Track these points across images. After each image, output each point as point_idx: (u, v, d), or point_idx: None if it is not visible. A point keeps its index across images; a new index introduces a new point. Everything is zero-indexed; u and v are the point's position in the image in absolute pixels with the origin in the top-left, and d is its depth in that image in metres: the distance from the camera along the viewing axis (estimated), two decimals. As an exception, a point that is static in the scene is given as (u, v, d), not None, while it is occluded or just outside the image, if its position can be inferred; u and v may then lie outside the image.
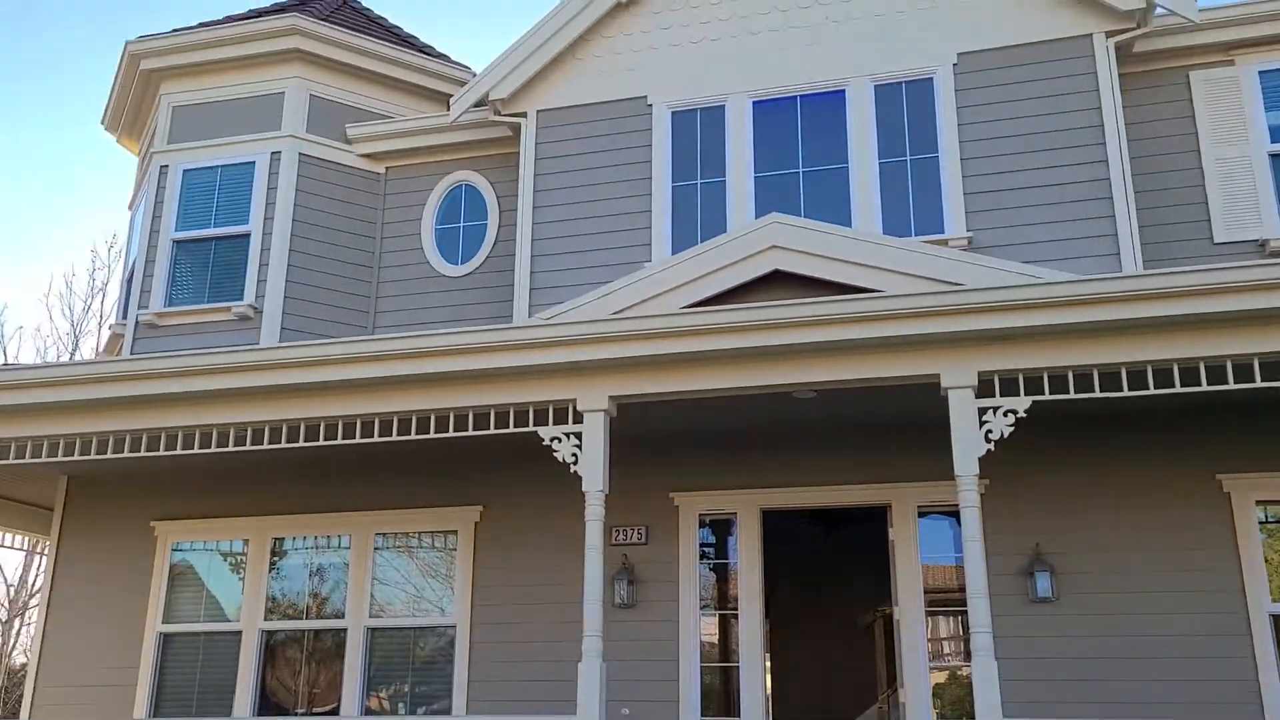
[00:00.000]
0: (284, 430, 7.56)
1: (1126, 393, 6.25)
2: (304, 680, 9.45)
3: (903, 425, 8.19)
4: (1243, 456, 7.87)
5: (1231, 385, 6.12)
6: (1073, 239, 8.88)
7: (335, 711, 9.11)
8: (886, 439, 8.45)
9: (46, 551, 10.38)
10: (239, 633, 9.55)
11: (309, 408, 7.47)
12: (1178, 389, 6.18)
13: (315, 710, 9.35)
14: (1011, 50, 9.51)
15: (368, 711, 9.01)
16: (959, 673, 8.19)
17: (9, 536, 11.12)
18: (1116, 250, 8.73)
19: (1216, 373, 6.15)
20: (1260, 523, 7.80)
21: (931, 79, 9.66)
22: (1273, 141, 9.33)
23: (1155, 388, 6.22)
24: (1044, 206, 9.05)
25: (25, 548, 12.40)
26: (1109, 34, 9.27)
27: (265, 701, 9.40)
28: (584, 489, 6.81)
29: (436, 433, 7.22)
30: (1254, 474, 7.84)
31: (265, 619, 9.54)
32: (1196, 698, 7.23)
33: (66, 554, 10.23)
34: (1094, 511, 8.01)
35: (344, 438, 7.43)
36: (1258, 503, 7.82)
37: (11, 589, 23.09)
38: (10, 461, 8.11)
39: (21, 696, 10.14)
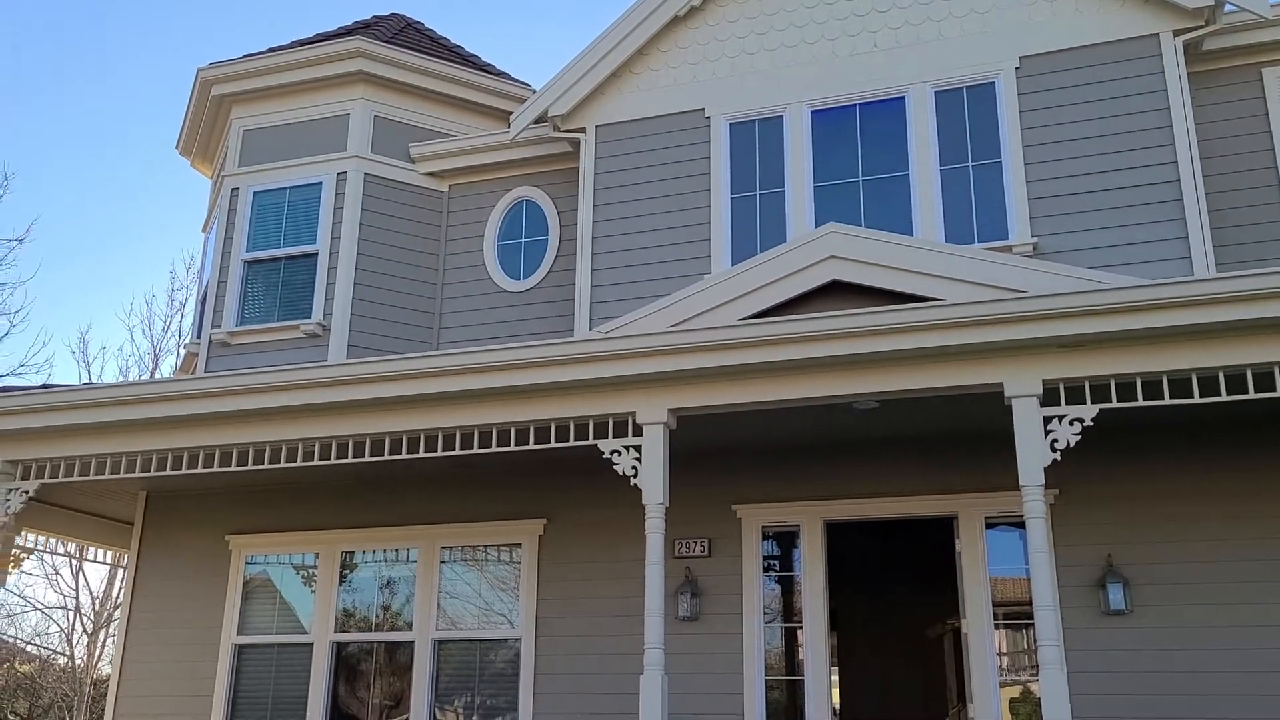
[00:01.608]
0: (350, 445, 7.70)
1: (1197, 399, 6.12)
2: (374, 692, 9.62)
3: (968, 434, 8.10)
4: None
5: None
6: (1142, 243, 8.68)
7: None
8: (952, 448, 8.36)
9: (127, 565, 10.73)
10: (310, 645, 9.75)
11: (376, 423, 7.59)
12: (1252, 395, 6.04)
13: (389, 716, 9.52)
14: (1075, 52, 9.35)
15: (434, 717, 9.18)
16: (1030, 688, 8.06)
17: (93, 551, 11.52)
18: (1188, 253, 8.52)
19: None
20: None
21: (993, 83, 9.53)
22: (1350, 139, 9.09)
23: (1228, 394, 6.07)
24: (1111, 210, 8.86)
25: (109, 562, 12.77)
26: (1176, 33, 9.07)
27: (336, 713, 9.55)
28: (644, 501, 6.81)
29: (498, 447, 7.33)
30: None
31: (336, 631, 9.74)
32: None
33: (145, 567, 10.54)
34: (1169, 521, 7.84)
35: (408, 452, 7.54)
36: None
37: (96, 602, 23.77)
38: (91, 478, 8.37)
39: (104, 709, 10.47)
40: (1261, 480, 7.73)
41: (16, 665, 25.39)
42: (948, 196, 9.37)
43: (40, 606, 25.33)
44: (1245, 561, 7.60)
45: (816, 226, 8.91)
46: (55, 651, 25.02)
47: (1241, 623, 7.46)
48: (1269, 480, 7.71)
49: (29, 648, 25.59)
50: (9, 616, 25.20)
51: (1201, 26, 9.12)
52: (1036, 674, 8.19)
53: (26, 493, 8.37)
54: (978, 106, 9.57)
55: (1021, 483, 6.15)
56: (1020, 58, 9.51)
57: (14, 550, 10.40)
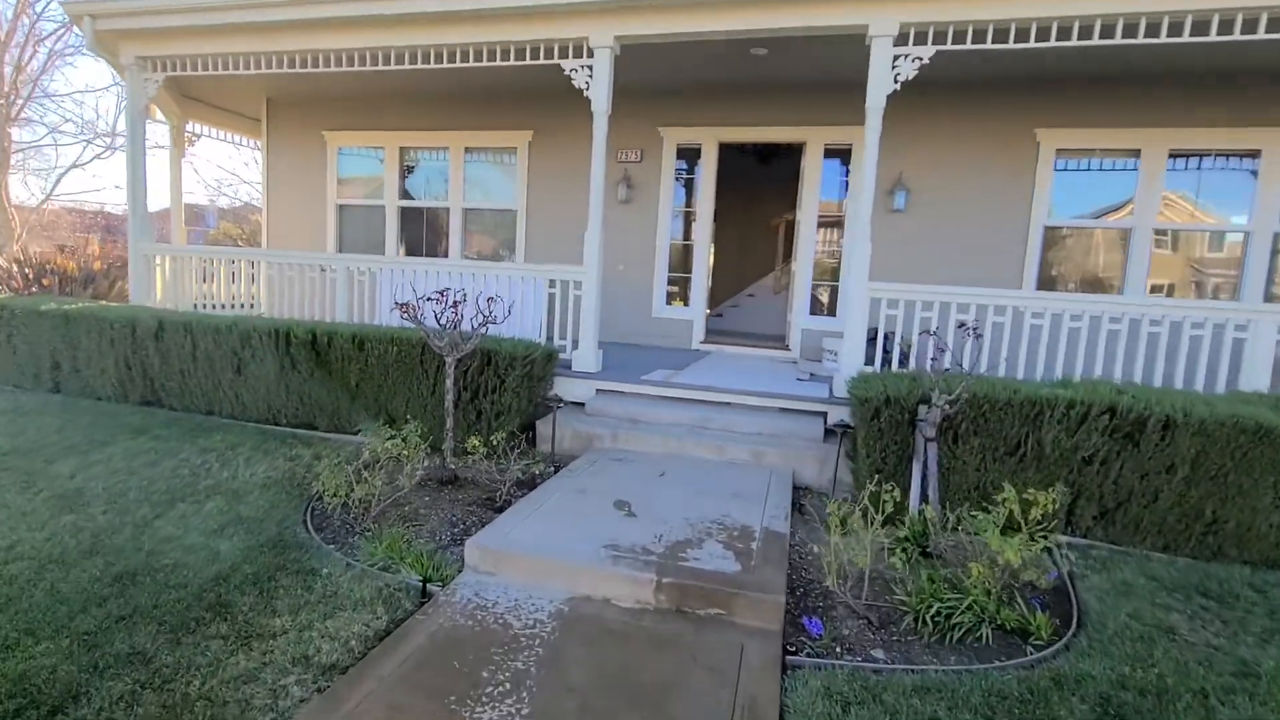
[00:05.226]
0: (392, 54, 5.72)
1: (1012, 45, 4.50)
2: (424, 239, 8.55)
3: (821, 83, 6.42)
4: (1054, 115, 6.27)
5: (1074, 42, 4.29)
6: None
7: (445, 256, 8.28)
8: (808, 93, 6.62)
9: (261, 147, 9.05)
10: (384, 207, 8.52)
11: (409, 36, 5.49)
12: (1052, 43, 4.32)
13: (433, 255, 8.52)
14: None
15: (464, 258, 8.22)
16: (827, 257, 7.23)
17: (235, 136, 9.63)
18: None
19: (1064, 33, 4.38)
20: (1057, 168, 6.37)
21: None
22: None
23: (1034, 41, 4.48)
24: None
25: (246, 145, 10.44)
26: None
27: (400, 250, 8.61)
28: (593, 110, 5.16)
29: (488, 61, 5.59)
30: (1061, 128, 6.29)
31: (399, 200, 8.46)
32: (989, 279, 6.30)
33: (273, 151, 8.77)
34: (939, 155, 6.53)
35: (435, 62, 5.66)
36: (1057, 150, 6.34)
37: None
38: (210, 73, 6.37)
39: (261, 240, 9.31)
40: (1010, 127, 6.37)
41: (251, 218, 23.78)
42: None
43: (247, 181, 23.41)
44: (988, 178, 6.45)
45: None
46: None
47: (976, 221, 6.45)
48: (1015, 127, 6.36)
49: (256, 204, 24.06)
50: (235, 189, 23.36)
51: None
52: (831, 253, 7.38)
53: (156, 83, 6.47)
54: None
55: (868, 105, 4.50)
56: None
57: (186, 135, 8.68)
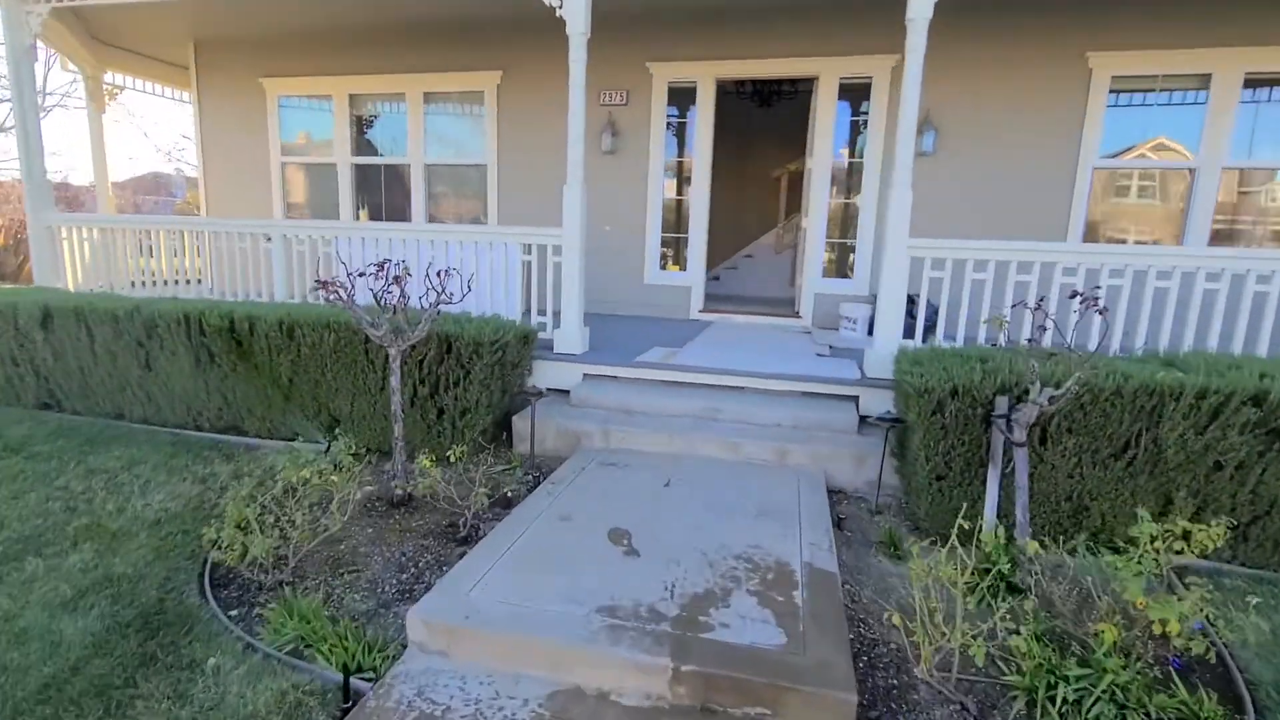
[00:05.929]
0: None
1: None
2: (384, 203, 7.54)
3: (836, 5, 5.60)
4: (1109, 36, 5.33)
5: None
6: None
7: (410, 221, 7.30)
8: (821, 17, 5.64)
9: (192, 100, 7.93)
10: (336, 166, 7.48)
11: None
12: None
13: (401, 220, 7.53)
14: None
15: (430, 220, 7.26)
16: (838, 207, 6.33)
17: (161, 88, 8.45)
18: None
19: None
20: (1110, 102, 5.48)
21: None
22: None
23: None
24: None
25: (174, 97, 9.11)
26: None
27: (359, 214, 7.62)
28: (568, 33, 4.28)
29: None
30: (1118, 51, 5.39)
31: (351, 157, 7.42)
32: (1027, 230, 5.49)
33: (205, 103, 7.60)
34: (979, 83, 5.58)
35: None
36: (1112, 78, 5.44)
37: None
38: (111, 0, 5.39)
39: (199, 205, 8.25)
40: (1057, 51, 5.45)
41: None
42: None
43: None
44: (1020, 122, 5.57)
45: None
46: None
47: (1015, 161, 5.54)
48: (1063, 51, 5.44)
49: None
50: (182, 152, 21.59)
51: None
52: (843, 200, 6.49)
53: (39, 16, 5.34)
54: None
55: (909, 17, 3.58)
56: None
57: (105, 87, 7.57)
